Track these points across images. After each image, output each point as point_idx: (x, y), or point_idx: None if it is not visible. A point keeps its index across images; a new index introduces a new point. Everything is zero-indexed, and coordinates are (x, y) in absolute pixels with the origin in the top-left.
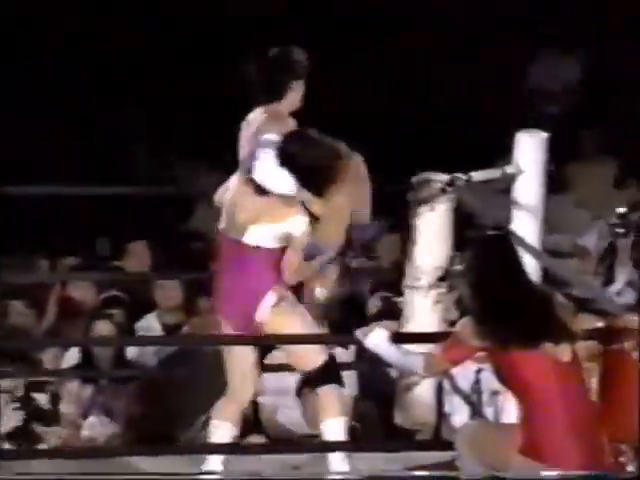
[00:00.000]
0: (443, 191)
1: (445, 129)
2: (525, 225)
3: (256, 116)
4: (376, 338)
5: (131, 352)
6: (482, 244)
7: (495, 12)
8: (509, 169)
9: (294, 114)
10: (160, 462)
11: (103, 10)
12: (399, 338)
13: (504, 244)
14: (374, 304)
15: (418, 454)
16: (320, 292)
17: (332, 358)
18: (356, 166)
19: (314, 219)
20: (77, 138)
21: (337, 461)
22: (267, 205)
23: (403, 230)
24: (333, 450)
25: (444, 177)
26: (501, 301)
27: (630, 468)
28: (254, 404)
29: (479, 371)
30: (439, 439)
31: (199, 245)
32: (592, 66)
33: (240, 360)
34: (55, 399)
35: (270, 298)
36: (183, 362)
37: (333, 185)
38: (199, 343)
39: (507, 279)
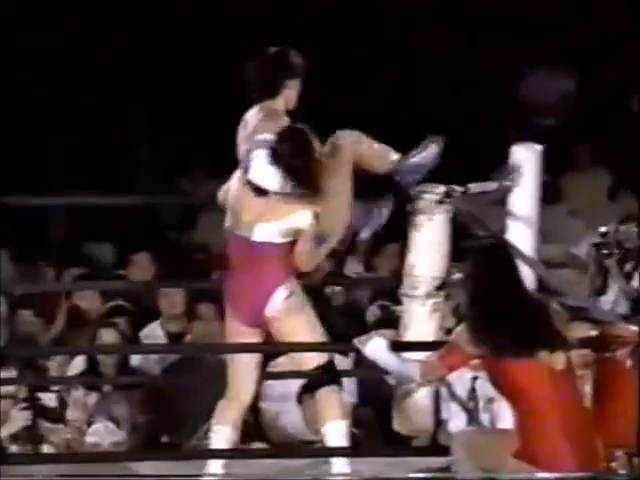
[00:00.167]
0: (440, 202)
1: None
2: (520, 235)
3: (252, 115)
4: (374, 346)
5: (135, 359)
6: (479, 252)
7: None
8: (505, 181)
9: (293, 113)
10: (164, 467)
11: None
12: (397, 346)
13: (501, 252)
14: (373, 313)
15: (416, 459)
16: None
17: (331, 361)
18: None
19: (314, 213)
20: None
21: (339, 465)
22: (270, 203)
23: (401, 240)
24: (333, 455)
25: (441, 189)
26: (497, 309)
27: (622, 472)
28: (256, 410)
29: (475, 378)
30: (436, 445)
31: (201, 254)
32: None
33: (242, 363)
34: (62, 403)
35: (280, 293)
36: (186, 369)
37: (326, 179)
38: (202, 351)
39: (503, 287)
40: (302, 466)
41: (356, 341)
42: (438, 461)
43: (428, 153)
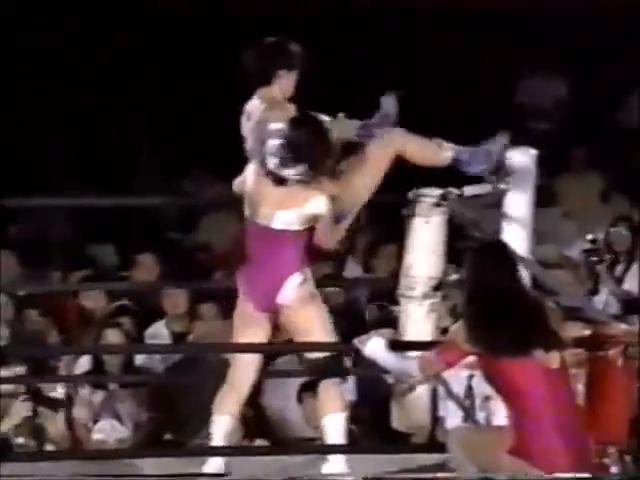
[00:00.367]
0: (437, 205)
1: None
2: (515, 236)
3: (254, 105)
4: (373, 346)
5: (140, 358)
6: (479, 250)
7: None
8: (500, 184)
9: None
10: (168, 464)
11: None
12: (395, 346)
13: (500, 250)
14: (371, 313)
15: (413, 456)
16: None
17: (340, 354)
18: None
19: (331, 196)
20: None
21: (335, 463)
22: (288, 191)
23: (399, 242)
24: (333, 452)
25: (438, 192)
26: (495, 309)
27: (614, 469)
28: (258, 407)
29: (472, 377)
30: (434, 442)
31: (203, 255)
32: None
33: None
34: (69, 400)
35: (295, 279)
36: (190, 368)
37: (337, 161)
38: (206, 351)
39: (502, 286)
40: (303, 463)
41: (355, 341)
42: (433, 458)
43: (496, 145)
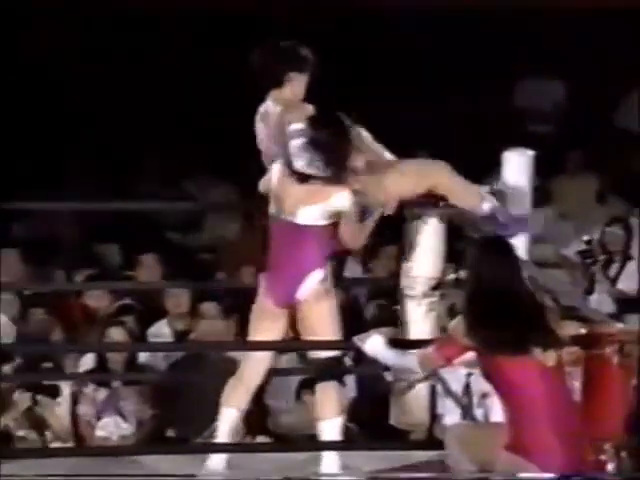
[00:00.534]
0: (436, 206)
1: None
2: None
3: (270, 107)
4: (373, 343)
5: (143, 356)
6: (480, 247)
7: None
8: (498, 186)
9: None
10: (170, 462)
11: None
12: (394, 344)
13: (501, 248)
14: (371, 311)
15: (412, 453)
16: None
17: (341, 358)
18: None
19: (354, 191)
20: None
21: (329, 461)
22: (312, 188)
23: (399, 242)
24: (332, 449)
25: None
26: (494, 309)
27: (610, 466)
28: (260, 405)
29: (470, 375)
30: (432, 439)
31: (205, 255)
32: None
33: None
34: (74, 398)
35: (317, 274)
36: (191, 366)
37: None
38: (208, 349)
39: (502, 284)
40: (305, 459)
41: (355, 339)
42: (431, 455)
43: (535, 217)
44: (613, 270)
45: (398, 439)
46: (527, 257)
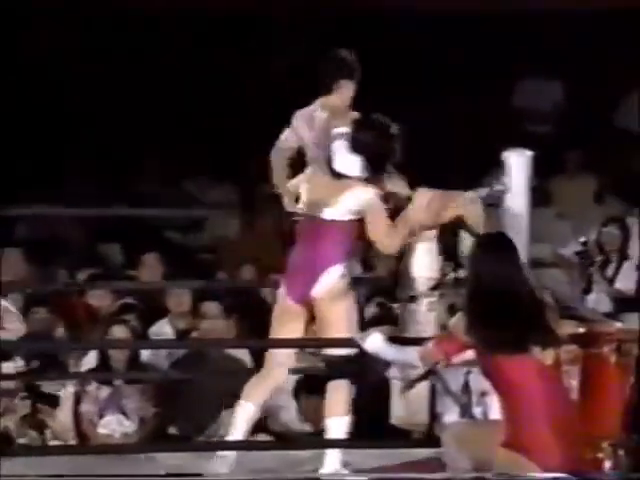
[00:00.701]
0: None
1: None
2: (511, 236)
3: (315, 111)
4: (373, 340)
5: (145, 355)
6: (482, 245)
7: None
8: (497, 186)
9: None
10: (173, 459)
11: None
12: (393, 342)
13: (503, 245)
14: (371, 310)
15: (412, 451)
16: None
17: (355, 357)
18: None
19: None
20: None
21: (331, 459)
22: (339, 184)
23: None
24: (333, 447)
25: None
26: (494, 308)
27: (608, 464)
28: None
29: (468, 373)
30: (432, 437)
31: (206, 255)
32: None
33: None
34: (76, 396)
35: (337, 269)
36: (193, 364)
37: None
38: (209, 346)
39: (502, 283)
40: (308, 457)
41: (355, 337)
42: (430, 453)
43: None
44: (610, 270)
45: (398, 437)
46: (525, 257)
